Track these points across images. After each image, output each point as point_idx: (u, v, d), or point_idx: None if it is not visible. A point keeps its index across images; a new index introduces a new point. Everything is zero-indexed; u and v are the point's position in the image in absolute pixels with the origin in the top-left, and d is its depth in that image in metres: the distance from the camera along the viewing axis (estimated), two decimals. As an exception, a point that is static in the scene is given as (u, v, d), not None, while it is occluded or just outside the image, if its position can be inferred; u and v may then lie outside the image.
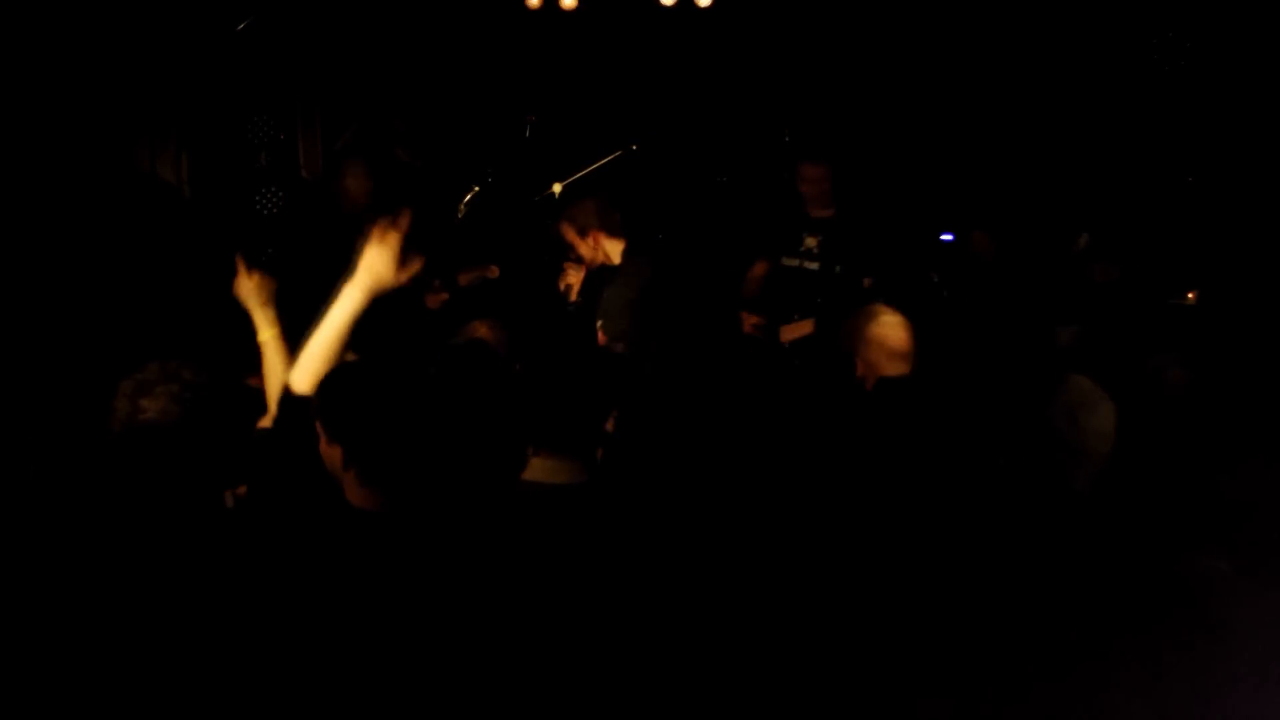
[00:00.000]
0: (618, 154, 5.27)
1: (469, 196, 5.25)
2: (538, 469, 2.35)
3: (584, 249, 4.39)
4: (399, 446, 2.15)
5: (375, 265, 2.51)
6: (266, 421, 2.61)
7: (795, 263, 4.94)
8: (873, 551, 2.45)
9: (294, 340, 2.63)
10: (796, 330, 4.72)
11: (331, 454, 2.17)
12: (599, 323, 4.24)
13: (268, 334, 2.72)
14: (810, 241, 4.91)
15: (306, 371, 2.47)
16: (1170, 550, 2.10)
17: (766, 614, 2.30)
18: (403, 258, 2.54)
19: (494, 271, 5.20)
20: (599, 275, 4.44)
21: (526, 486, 2.34)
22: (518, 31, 6.04)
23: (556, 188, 5.07)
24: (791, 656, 2.24)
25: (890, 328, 3.29)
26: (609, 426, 2.43)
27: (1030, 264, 5.06)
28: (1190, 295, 4.80)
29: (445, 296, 4.93)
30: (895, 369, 3.26)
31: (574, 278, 4.51)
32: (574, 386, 2.40)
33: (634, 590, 2.19)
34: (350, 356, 2.54)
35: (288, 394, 2.49)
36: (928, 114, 6.04)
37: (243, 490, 2.48)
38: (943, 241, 5.31)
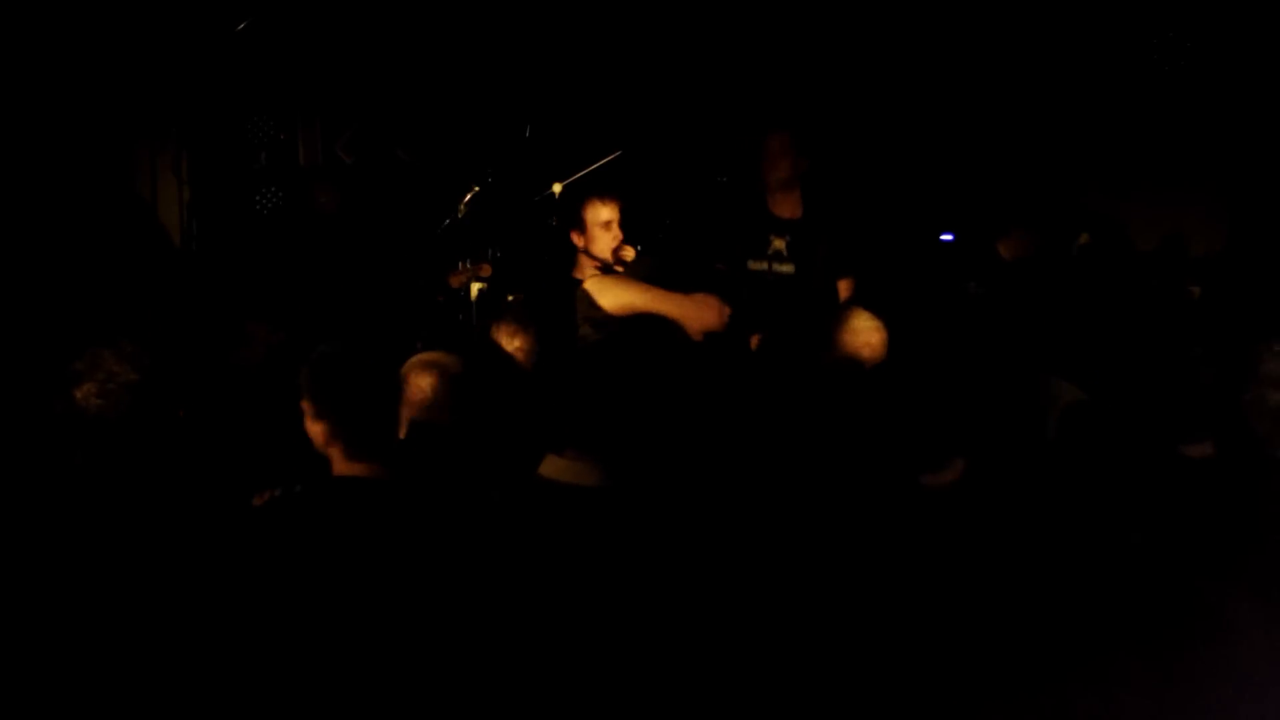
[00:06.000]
0: (618, 154, 5.25)
1: (469, 196, 5.25)
2: (559, 468, 2.29)
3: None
4: (381, 419, 2.26)
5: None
6: None
7: (763, 265, 4.57)
8: (886, 558, 2.42)
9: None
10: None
11: (316, 431, 2.25)
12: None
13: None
14: (778, 243, 4.55)
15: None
16: (1182, 575, 2.05)
17: (778, 622, 2.27)
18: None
19: (485, 270, 5.21)
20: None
21: (545, 484, 2.28)
22: (517, 30, 6.05)
23: (556, 188, 5.04)
24: (802, 665, 2.21)
25: (859, 334, 3.19)
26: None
27: (1030, 265, 5.03)
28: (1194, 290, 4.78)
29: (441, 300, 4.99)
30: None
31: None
32: (601, 384, 2.33)
33: (643, 596, 2.15)
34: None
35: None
36: (923, 113, 6.03)
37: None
38: (942, 242, 5.29)
